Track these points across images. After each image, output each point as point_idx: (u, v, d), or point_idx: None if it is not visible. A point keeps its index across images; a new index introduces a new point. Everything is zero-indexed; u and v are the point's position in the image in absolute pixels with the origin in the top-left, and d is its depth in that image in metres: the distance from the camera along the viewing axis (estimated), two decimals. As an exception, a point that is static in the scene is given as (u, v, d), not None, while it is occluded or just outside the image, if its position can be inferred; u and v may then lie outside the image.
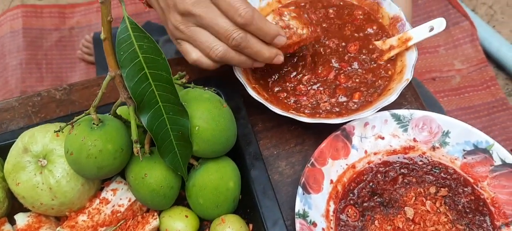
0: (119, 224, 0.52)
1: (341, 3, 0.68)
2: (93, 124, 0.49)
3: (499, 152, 0.56)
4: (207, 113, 0.50)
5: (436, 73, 1.43)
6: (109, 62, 0.47)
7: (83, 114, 0.50)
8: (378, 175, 0.58)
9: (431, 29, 0.60)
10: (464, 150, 0.58)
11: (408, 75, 0.59)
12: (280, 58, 0.54)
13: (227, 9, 0.50)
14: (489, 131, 1.33)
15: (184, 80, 0.51)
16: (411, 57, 0.60)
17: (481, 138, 0.57)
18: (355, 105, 0.59)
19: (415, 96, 0.66)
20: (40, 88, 1.58)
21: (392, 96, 0.57)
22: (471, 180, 0.56)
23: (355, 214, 0.55)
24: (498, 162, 0.56)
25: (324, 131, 0.59)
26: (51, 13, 1.67)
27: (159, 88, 0.47)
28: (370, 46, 0.64)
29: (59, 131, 0.50)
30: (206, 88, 0.53)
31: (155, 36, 1.35)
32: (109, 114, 0.52)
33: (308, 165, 0.56)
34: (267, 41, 0.53)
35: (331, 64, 0.62)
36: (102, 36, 0.45)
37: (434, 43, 1.49)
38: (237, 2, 0.49)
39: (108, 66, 0.47)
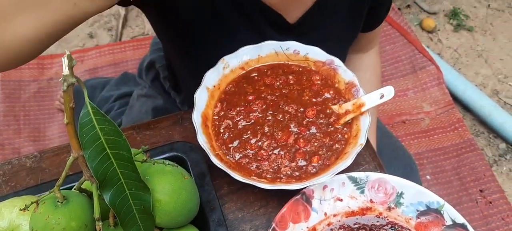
0: None
1: (300, 69, 0.72)
2: (58, 201, 0.50)
3: (449, 212, 0.59)
4: (168, 187, 0.53)
5: (406, 116, 1.49)
6: (72, 144, 0.49)
7: (48, 192, 0.52)
8: (338, 237, 0.60)
9: (382, 96, 0.64)
10: (417, 210, 0.61)
11: (362, 140, 0.62)
12: None
13: None
14: (459, 172, 1.37)
15: (145, 157, 0.54)
16: (365, 122, 0.64)
17: (433, 198, 0.60)
18: (314, 169, 0.62)
19: (372, 156, 0.70)
20: (17, 140, 1.59)
21: (347, 161, 0.60)
22: (425, 239, 0.59)
23: (315, 278, 0.57)
24: (449, 222, 0.59)
25: (286, 192, 0.62)
26: (29, 65, 1.69)
27: (121, 167, 0.49)
28: (328, 111, 0.67)
29: (24, 209, 0.52)
30: (168, 162, 0.56)
31: (131, 87, 1.38)
32: (74, 189, 0.54)
33: (269, 230, 0.58)
34: None
35: (290, 129, 0.66)
36: (65, 121, 0.48)
37: (403, 87, 1.55)
38: None
39: (71, 147, 0.49)
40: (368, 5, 0.79)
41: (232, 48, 0.72)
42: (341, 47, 0.85)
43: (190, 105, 0.93)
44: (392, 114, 1.50)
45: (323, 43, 0.74)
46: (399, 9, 1.80)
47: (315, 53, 0.72)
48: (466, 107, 1.55)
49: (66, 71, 0.45)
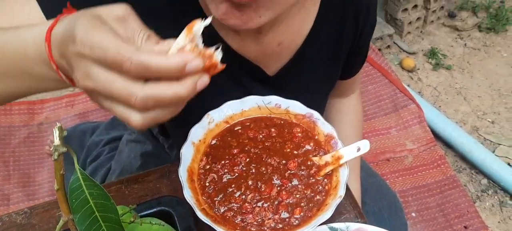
0: None
1: (282, 122, 0.76)
2: (47, 263, 0.52)
3: (425, 260, 0.62)
4: (155, 245, 0.55)
5: (390, 154, 1.53)
6: (62, 209, 0.51)
7: (38, 254, 0.53)
8: None
9: (358, 149, 0.67)
10: (395, 258, 0.63)
11: (341, 192, 0.65)
12: (204, 81, 0.43)
13: (115, 65, 0.40)
14: (443, 209, 1.41)
15: (132, 218, 0.56)
16: (344, 174, 0.67)
17: (409, 246, 0.63)
18: (297, 221, 0.65)
19: (353, 205, 0.73)
20: (7, 186, 1.59)
21: (328, 213, 0.63)
22: None
23: None
24: (425, 269, 0.61)
25: (271, 243, 0.64)
26: (20, 110, 1.71)
27: (109, 228, 0.52)
28: (309, 162, 0.71)
29: (14, 271, 0.53)
30: (155, 221, 0.58)
31: (121, 131, 1.41)
32: (64, 250, 0.55)
33: None
34: (177, 78, 0.42)
35: (273, 182, 0.69)
36: (56, 187, 0.50)
37: (386, 125, 1.60)
38: (121, 51, 0.39)
39: (61, 211, 0.52)
40: (345, 57, 0.84)
41: (212, 98, 0.75)
42: (320, 97, 0.89)
43: (179, 150, 0.96)
44: (377, 152, 1.54)
45: (303, 94, 0.78)
46: (379, 50, 1.88)
47: (296, 107, 0.76)
48: (447, 144, 1.59)
49: (57, 141, 0.48)
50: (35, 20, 0.60)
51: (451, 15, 2.10)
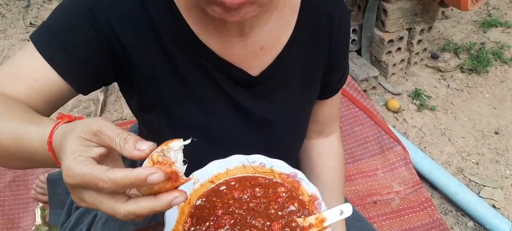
0: None
1: (266, 181, 0.76)
2: None
3: None
4: None
5: (377, 196, 1.54)
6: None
7: None
8: None
9: (341, 213, 0.68)
10: None
11: (324, 255, 0.66)
12: (179, 200, 0.47)
13: (94, 186, 0.45)
14: (430, 252, 1.41)
15: None
16: (327, 237, 0.68)
17: None
18: None
19: (337, 264, 0.73)
20: (-11, 232, 1.56)
21: (311, 277, 0.63)
22: None
23: None
24: None
25: None
26: (6, 153, 1.69)
27: None
28: (293, 224, 0.71)
29: None
30: None
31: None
32: None
33: None
34: (143, 189, 0.47)
35: (257, 245, 0.69)
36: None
37: (373, 167, 1.61)
38: (94, 173, 0.44)
39: None
40: (323, 69, 0.87)
41: (196, 106, 0.78)
42: (302, 110, 0.91)
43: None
44: (364, 195, 1.55)
45: (284, 103, 0.81)
46: (365, 91, 1.92)
47: (280, 166, 0.77)
48: (433, 186, 1.61)
49: (38, 221, 0.48)
50: (42, 70, 0.67)
51: (434, 57, 2.16)
